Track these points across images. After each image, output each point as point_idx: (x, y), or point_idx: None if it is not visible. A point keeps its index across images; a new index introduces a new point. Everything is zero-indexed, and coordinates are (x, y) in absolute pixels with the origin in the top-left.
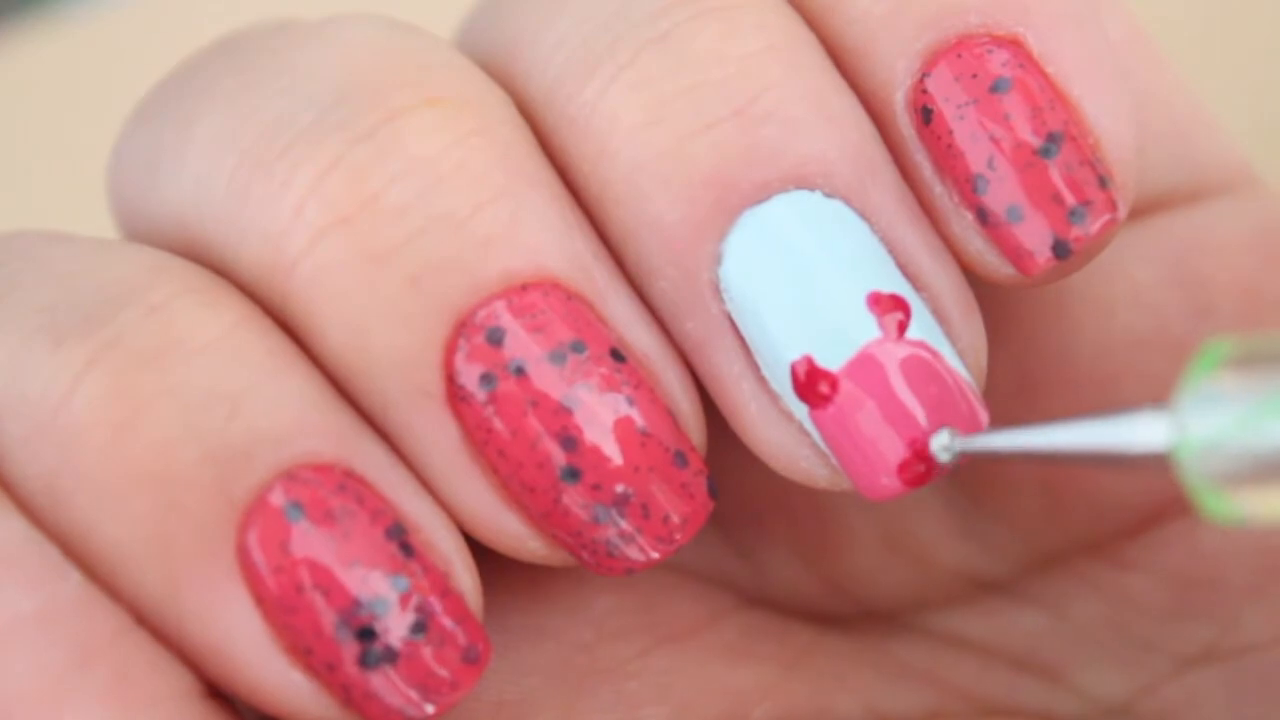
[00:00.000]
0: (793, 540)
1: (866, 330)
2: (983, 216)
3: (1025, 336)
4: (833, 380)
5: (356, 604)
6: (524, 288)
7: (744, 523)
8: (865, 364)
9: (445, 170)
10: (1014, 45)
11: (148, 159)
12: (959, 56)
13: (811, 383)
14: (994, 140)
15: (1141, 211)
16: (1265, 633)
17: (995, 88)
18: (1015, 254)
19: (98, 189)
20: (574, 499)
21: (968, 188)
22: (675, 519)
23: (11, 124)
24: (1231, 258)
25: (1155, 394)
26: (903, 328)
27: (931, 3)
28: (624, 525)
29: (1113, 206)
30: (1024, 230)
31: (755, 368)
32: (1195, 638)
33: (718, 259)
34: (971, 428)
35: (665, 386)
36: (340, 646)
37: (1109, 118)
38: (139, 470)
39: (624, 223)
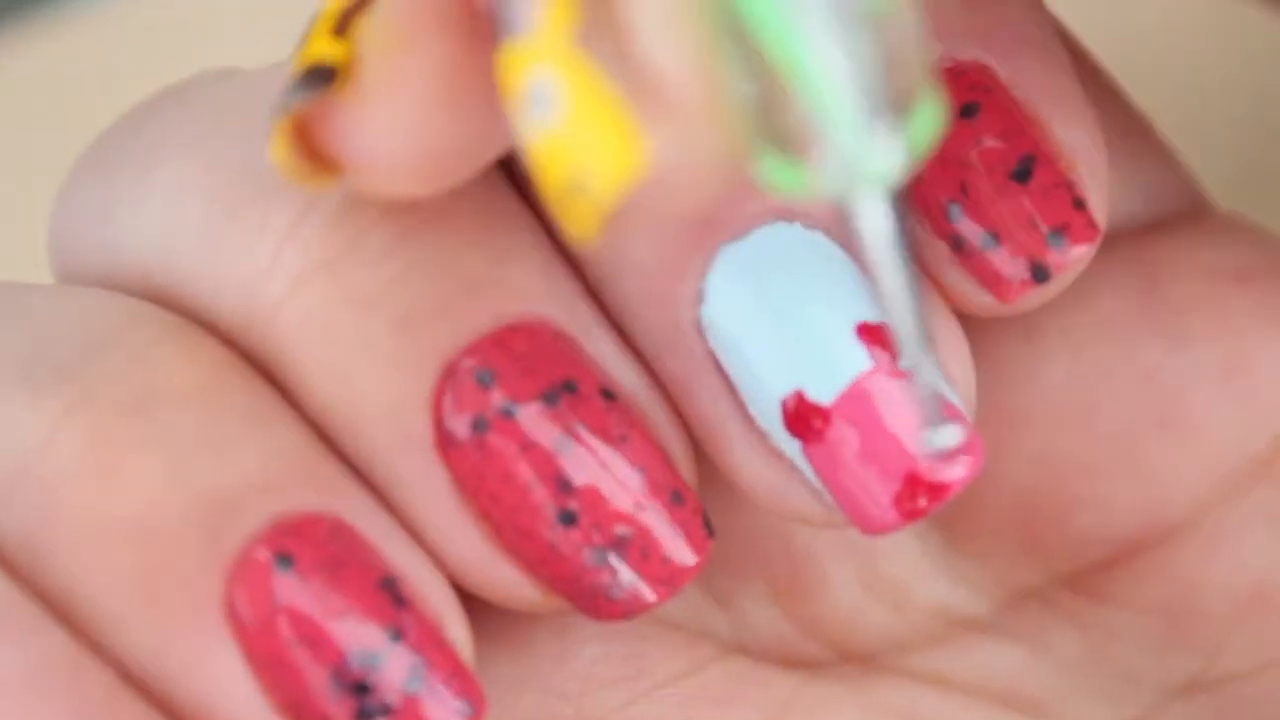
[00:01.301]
0: (769, 586)
1: (858, 362)
2: (957, 244)
3: (994, 369)
4: (825, 415)
5: (350, 658)
6: (511, 329)
7: (720, 571)
8: (858, 396)
9: (425, 212)
10: (979, 71)
11: (100, 211)
12: None
13: (804, 418)
14: (965, 166)
15: (1105, 239)
16: (1248, 662)
17: (963, 113)
18: (993, 281)
19: None
20: (570, 543)
21: (941, 216)
22: (675, 560)
23: (11, 124)
24: (1200, 282)
25: (1130, 423)
26: (893, 358)
27: None
28: (622, 568)
29: (1090, 228)
30: (1000, 256)
31: (741, 406)
32: (1179, 669)
33: (699, 297)
34: (971, 455)
35: (656, 426)
36: (333, 702)
37: (1079, 138)
38: (121, 523)
39: (602, 264)
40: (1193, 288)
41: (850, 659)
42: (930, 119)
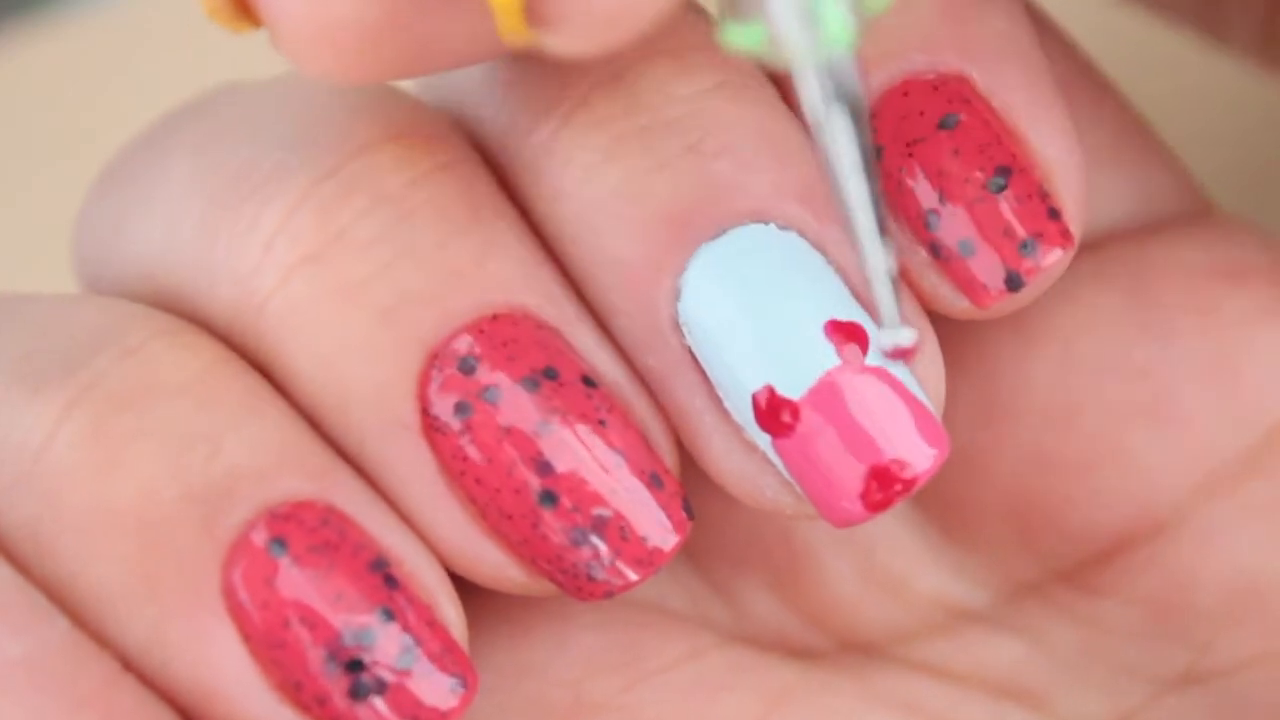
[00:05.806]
0: (768, 576)
1: (826, 358)
2: (935, 251)
3: (986, 367)
4: (794, 409)
5: (343, 637)
6: (494, 318)
7: (719, 561)
8: (826, 391)
9: (411, 205)
10: (959, 82)
11: (114, 217)
12: (905, 95)
13: (773, 412)
14: (943, 176)
15: (1097, 240)
16: (1240, 655)
17: (943, 124)
18: (969, 287)
19: None
20: (551, 523)
21: (919, 224)
22: (654, 540)
23: (12, 124)
24: (1190, 280)
25: (1120, 419)
26: (862, 355)
27: (877, 44)
28: (602, 548)
29: (1063, 237)
30: (976, 264)
31: (717, 401)
32: (1172, 662)
33: (676, 295)
34: (936, 449)
35: (636, 413)
36: (329, 679)
37: (1056, 149)
38: (121, 512)
39: (582, 261)
40: (1183, 285)
41: (850, 648)
42: None
